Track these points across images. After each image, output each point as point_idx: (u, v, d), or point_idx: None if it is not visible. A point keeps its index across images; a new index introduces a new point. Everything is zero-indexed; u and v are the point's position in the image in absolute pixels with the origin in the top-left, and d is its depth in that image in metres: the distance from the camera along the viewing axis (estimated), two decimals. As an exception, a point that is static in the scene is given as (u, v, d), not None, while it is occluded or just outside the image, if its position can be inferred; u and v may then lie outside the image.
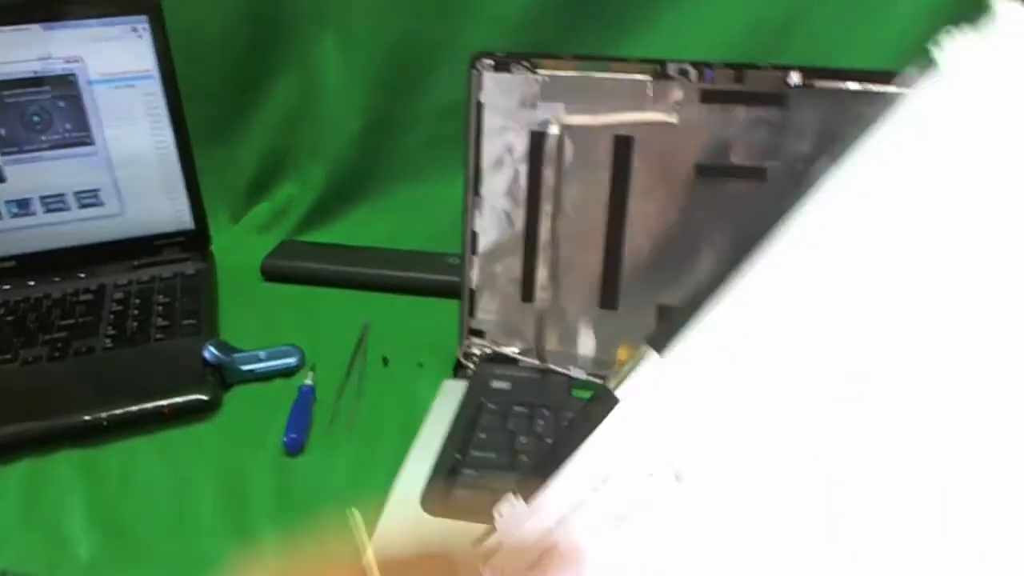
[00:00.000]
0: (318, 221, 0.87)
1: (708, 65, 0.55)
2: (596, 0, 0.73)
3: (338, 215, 0.87)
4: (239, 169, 0.89)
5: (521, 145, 0.58)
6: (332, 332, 0.71)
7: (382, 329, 0.72)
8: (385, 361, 0.68)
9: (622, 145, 0.57)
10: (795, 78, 0.54)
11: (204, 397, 0.61)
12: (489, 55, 0.56)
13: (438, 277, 0.75)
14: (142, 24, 0.73)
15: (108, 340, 0.68)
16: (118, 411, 0.59)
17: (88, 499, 0.55)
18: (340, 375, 0.66)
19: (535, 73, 0.56)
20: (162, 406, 0.60)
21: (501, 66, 0.56)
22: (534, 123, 0.57)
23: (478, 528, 0.46)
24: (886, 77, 0.53)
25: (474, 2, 0.76)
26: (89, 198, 0.76)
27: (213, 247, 0.81)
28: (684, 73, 0.55)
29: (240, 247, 0.84)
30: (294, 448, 0.59)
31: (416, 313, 0.73)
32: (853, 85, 0.53)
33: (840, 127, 0.54)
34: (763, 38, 0.70)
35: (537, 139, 0.57)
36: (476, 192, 0.59)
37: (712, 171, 0.56)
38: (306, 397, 0.63)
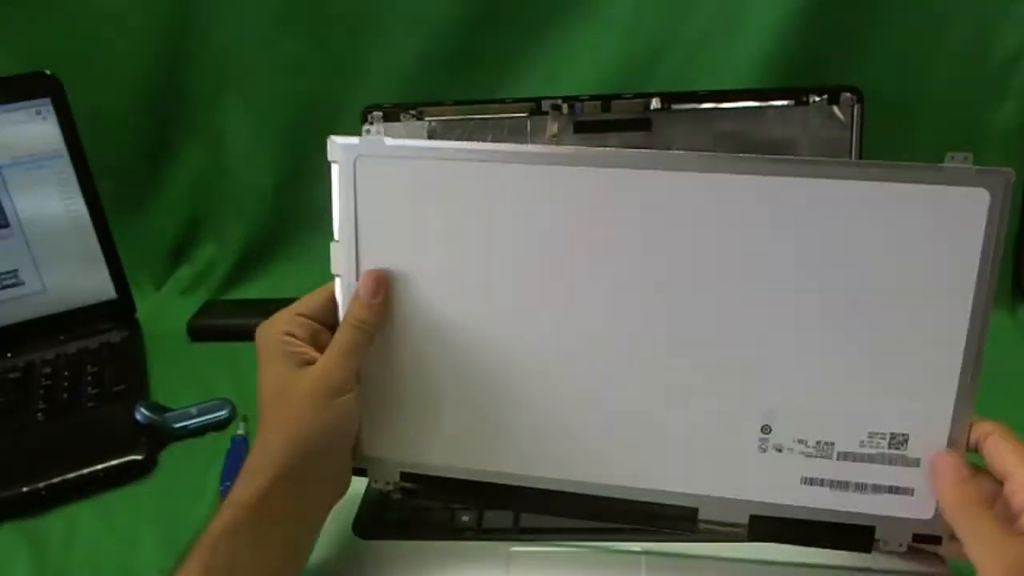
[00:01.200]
0: (240, 279, 0.90)
1: (577, 99, 0.60)
2: (478, 48, 0.79)
3: (258, 271, 0.90)
4: (157, 236, 0.91)
5: (418, 187, 0.62)
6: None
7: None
8: (315, 404, 0.71)
9: (510, 178, 0.62)
10: (656, 103, 0.60)
11: (139, 457, 0.64)
12: (378, 107, 0.61)
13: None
14: (45, 107, 0.75)
15: (40, 414, 0.69)
16: (56, 479, 0.61)
17: (33, 568, 0.56)
18: (271, 422, 0.69)
19: (422, 120, 0.61)
20: (98, 469, 0.62)
21: (390, 116, 0.61)
22: (427, 166, 0.62)
23: (409, 547, 0.51)
24: (733, 96, 0.60)
25: (366, 58, 0.81)
26: (9, 279, 0.77)
27: (138, 314, 0.83)
28: (557, 108, 0.60)
29: (165, 311, 0.87)
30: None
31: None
32: (706, 105, 0.60)
33: (698, 142, 0.60)
34: (633, 69, 0.77)
35: (432, 180, 0.62)
36: (381, 234, 0.63)
37: (593, 193, 0.61)
38: (239, 446, 0.65)
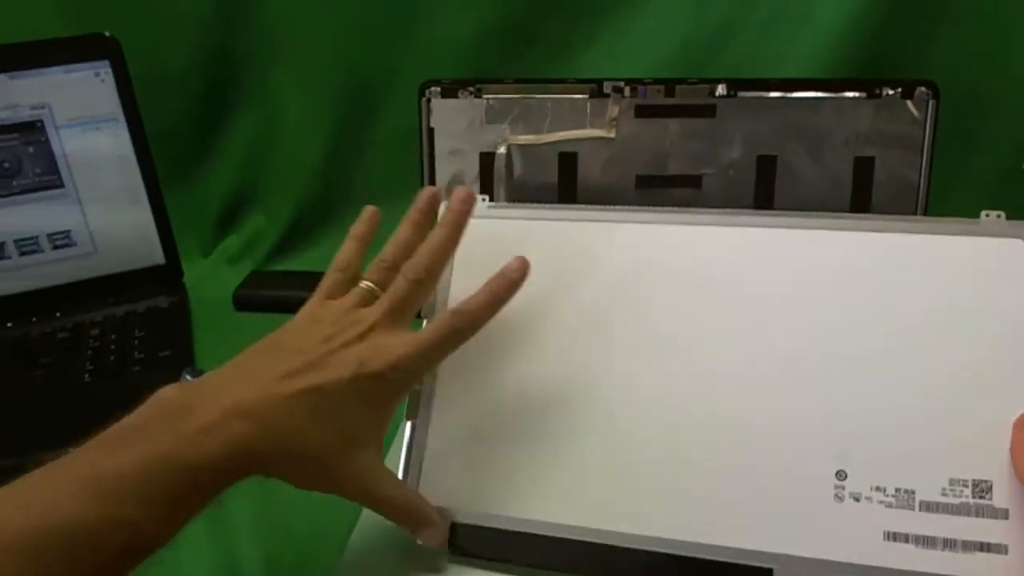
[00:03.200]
0: (287, 250, 0.90)
1: (640, 82, 0.58)
2: (536, 25, 0.77)
3: (306, 243, 0.90)
4: (207, 204, 0.92)
5: (473, 166, 0.61)
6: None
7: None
8: (357, 379, 0.71)
9: (567, 161, 0.60)
10: (721, 90, 0.58)
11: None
12: (436, 82, 0.60)
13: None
14: (104, 69, 0.76)
15: (88, 375, 0.70)
16: (101, 441, 0.62)
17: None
18: (314, 395, 0.68)
19: (480, 97, 0.60)
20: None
21: (448, 92, 0.60)
22: (483, 144, 0.61)
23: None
24: (802, 85, 0.57)
25: (421, 30, 0.80)
26: (62, 239, 0.78)
27: (185, 280, 0.84)
28: (619, 91, 0.59)
29: (211, 279, 0.87)
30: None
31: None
32: (774, 93, 0.58)
33: (763, 131, 0.58)
34: (695, 54, 0.74)
35: (487, 159, 0.61)
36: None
37: (651, 181, 0.60)
38: (281, 417, 0.65)
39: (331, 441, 0.41)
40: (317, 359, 0.42)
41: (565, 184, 0.60)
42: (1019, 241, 0.45)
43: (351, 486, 0.43)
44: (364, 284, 0.46)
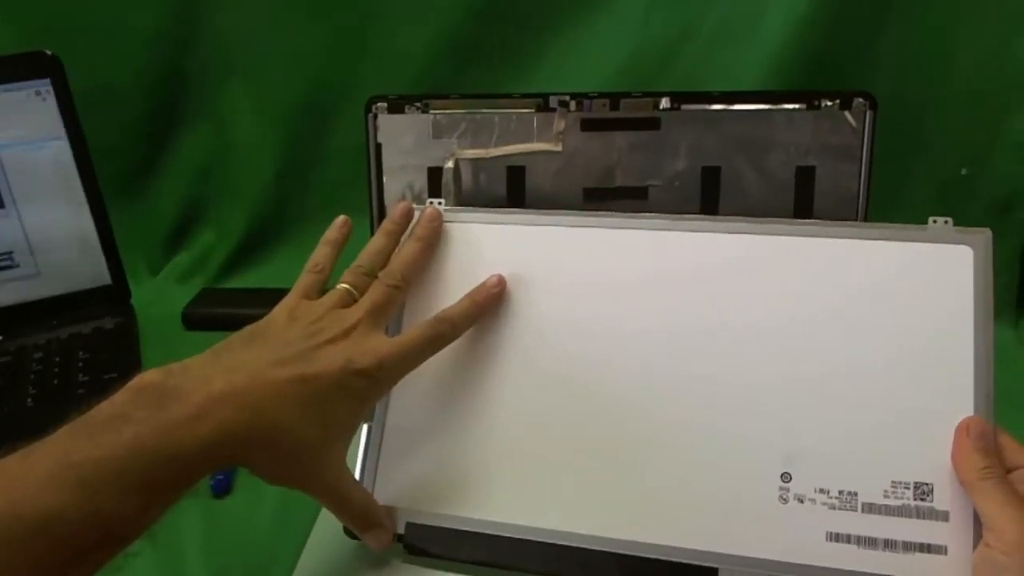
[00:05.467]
0: (238, 267, 0.89)
1: (586, 96, 0.59)
2: (487, 41, 0.78)
3: (258, 260, 0.89)
4: (155, 221, 0.90)
5: (421, 181, 0.61)
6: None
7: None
8: (310, 397, 0.70)
9: (515, 174, 0.61)
10: (665, 103, 0.59)
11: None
12: (383, 98, 0.60)
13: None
14: (45, 87, 0.74)
15: (30, 400, 0.68)
16: (43, 467, 0.60)
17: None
18: (265, 414, 0.68)
19: (428, 113, 0.60)
20: (88, 459, 0.61)
21: (395, 108, 0.60)
22: (431, 159, 0.61)
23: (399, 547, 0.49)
24: (744, 97, 0.58)
25: (373, 46, 0.80)
26: (3, 261, 0.76)
27: (133, 300, 0.82)
28: (565, 105, 0.59)
29: (160, 298, 0.85)
30: (220, 489, 0.60)
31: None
32: (716, 106, 0.58)
33: (707, 143, 0.59)
34: (642, 67, 0.75)
35: (435, 174, 0.61)
36: (382, 228, 0.62)
37: (598, 193, 0.60)
38: (232, 438, 0.64)
39: (313, 434, 0.41)
40: (306, 350, 0.42)
41: (513, 197, 0.60)
42: (966, 247, 0.46)
43: (319, 483, 0.43)
44: (342, 286, 0.47)
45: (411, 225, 0.53)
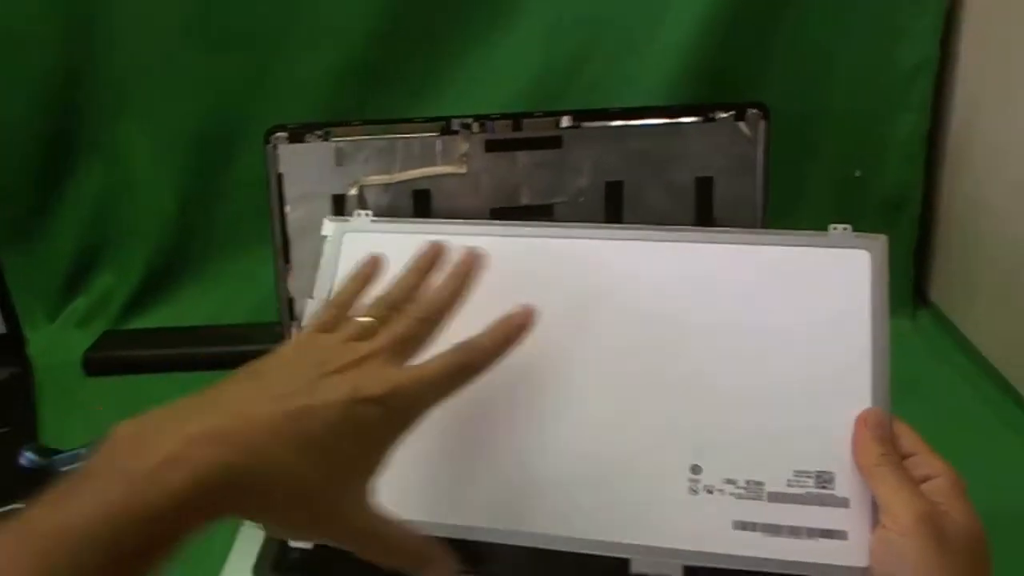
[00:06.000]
0: (141, 308, 0.86)
1: (488, 117, 0.59)
2: (390, 68, 0.78)
3: (161, 299, 0.86)
4: (51, 264, 0.86)
5: (325, 209, 0.60)
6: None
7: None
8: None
9: (420, 198, 0.60)
10: (566, 122, 0.59)
11: (21, 506, 0.59)
12: (282, 127, 0.59)
13: (266, 347, 0.75)
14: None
15: (-83, 459, 0.64)
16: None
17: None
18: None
19: (329, 141, 0.59)
20: (-21, 521, 0.58)
21: (295, 137, 0.59)
22: (335, 187, 0.60)
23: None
24: (642, 113, 0.60)
25: (273, 75, 0.79)
26: None
27: (29, 348, 0.79)
28: (467, 127, 0.59)
29: (59, 345, 0.82)
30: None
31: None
32: (616, 122, 0.59)
33: (609, 159, 0.60)
34: (546, 87, 0.77)
35: (339, 202, 0.60)
36: (286, 260, 0.61)
37: (505, 212, 0.60)
38: (139, 487, 0.62)
39: (316, 475, 0.35)
40: (305, 384, 0.37)
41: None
42: (863, 252, 0.48)
43: (341, 528, 0.37)
44: (361, 319, 0.42)
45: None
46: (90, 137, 0.83)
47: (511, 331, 0.43)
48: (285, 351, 0.41)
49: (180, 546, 0.32)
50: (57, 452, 0.64)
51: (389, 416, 0.38)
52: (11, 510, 0.58)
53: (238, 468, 0.33)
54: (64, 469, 0.63)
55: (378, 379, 0.38)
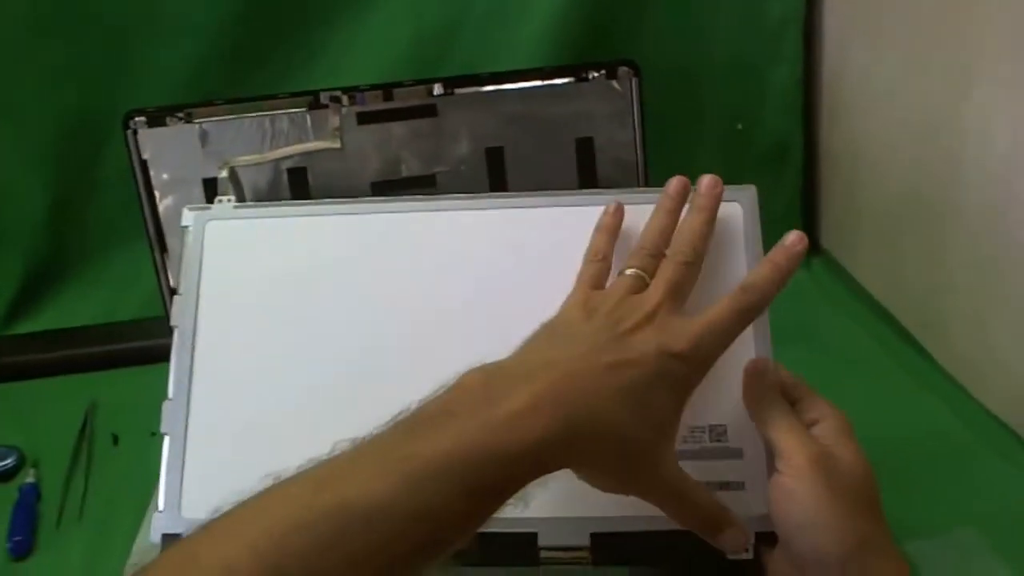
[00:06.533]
0: (22, 313, 0.81)
1: (357, 89, 0.58)
2: (257, 46, 0.76)
3: (43, 302, 0.82)
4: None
5: (197, 194, 0.58)
6: (53, 423, 0.68)
7: (109, 406, 0.70)
8: (115, 439, 0.66)
9: (296, 176, 0.59)
10: (438, 89, 0.59)
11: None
12: (140, 112, 0.57)
13: (158, 342, 0.72)
14: None
15: None
16: None
17: None
18: (65, 465, 0.63)
19: (192, 123, 0.57)
20: None
21: (155, 121, 0.57)
22: (204, 171, 0.58)
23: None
24: (514, 76, 0.59)
25: (135, 63, 0.76)
26: None
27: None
28: (337, 100, 0.58)
29: (-63, 360, 0.77)
30: (20, 551, 0.56)
31: (142, 383, 0.70)
32: (489, 87, 0.59)
33: (486, 125, 0.59)
34: (418, 57, 0.75)
35: (211, 185, 0.58)
36: (163, 249, 0.59)
37: (387, 186, 0.60)
38: (27, 496, 0.60)
39: (641, 428, 0.38)
40: (611, 340, 0.39)
41: (299, 199, 0.59)
42: (735, 204, 0.49)
43: (657, 484, 0.40)
44: (630, 270, 0.44)
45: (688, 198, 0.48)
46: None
47: (790, 261, 0.43)
48: (571, 312, 0.42)
49: (522, 487, 0.35)
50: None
51: (692, 369, 0.40)
52: None
53: (578, 423, 0.36)
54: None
55: (680, 334, 0.39)
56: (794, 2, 0.78)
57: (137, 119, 0.56)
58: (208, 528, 0.32)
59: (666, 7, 0.77)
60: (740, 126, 0.82)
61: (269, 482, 0.34)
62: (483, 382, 0.37)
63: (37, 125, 0.77)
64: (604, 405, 0.37)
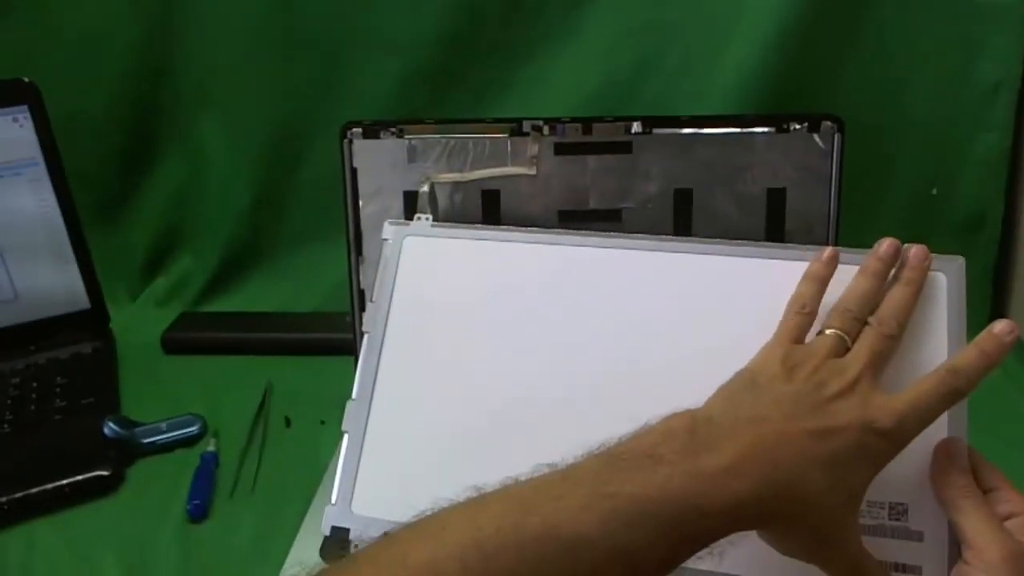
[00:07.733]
0: (216, 292, 0.89)
1: (559, 121, 0.60)
2: (458, 69, 0.79)
3: (235, 285, 0.89)
4: (133, 247, 0.90)
5: (397, 205, 0.62)
6: (234, 398, 0.73)
7: (284, 391, 0.74)
8: (288, 422, 0.70)
9: (489, 198, 0.61)
10: (636, 127, 0.60)
11: (105, 472, 0.62)
12: (358, 123, 0.60)
13: (335, 335, 0.77)
14: (23, 114, 0.74)
15: (7, 426, 0.68)
16: (18, 494, 0.60)
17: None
18: (242, 440, 0.68)
19: (403, 138, 0.60)
20: (63, 485, 0.61)
21: (370, 133, 0.60)
22: (406, 184, 0.61)
23: None
24: (714, 121, 0.59)
25: (344, 78, 0.81)
26: (-19, 287, 0.76)
27: (112, 325, 0.82)
28: (538, 129, 0.60)
29: (139, 323, 0.85)
30: (197, 514, 0.60)
31: (316, 372, 0.75)
32: (688, 129, 0.59)
33: (678, 166, 0.60)
34: (612, 94, 0.77)
35: (410, 198, 0.61)
36: (359, 252, 0.63)
37: (573, 215, 0.61)
38: (208, 464, 0.64)
39: (837, 499, 0.38)
40: (814, 406, 0.39)
41: (489, 220, 0.61)
42: (940, 274, 0.47)
43: (845, 558, 0.39)
44: (832, 331, 0.43)
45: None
46: (171, 132, 0.87)
47: (998, 350, 0.41)
48: (772, 367, 0.41)
49: (717, 541, 0.36)
50: (138, 424, 0.67)
51: (891, 446, 0.39)
52: (95, 476, 0.62)
53: (780, 485, 0.36)
54: (145, 440, 0.66)
55: (884, 410, 0.39)
56: (1010, 67, 0.74)
57: (354, 130, 0.60)
58: (416, 530, 0.34)
59: (871, 62, 0.75)
60: (935, 191, 0.78)
61: (472, 493, 0.35)
62: (689, 429, 0.37)
63: (251, 126, 0.84)
64: (805, 472, 0.36)
